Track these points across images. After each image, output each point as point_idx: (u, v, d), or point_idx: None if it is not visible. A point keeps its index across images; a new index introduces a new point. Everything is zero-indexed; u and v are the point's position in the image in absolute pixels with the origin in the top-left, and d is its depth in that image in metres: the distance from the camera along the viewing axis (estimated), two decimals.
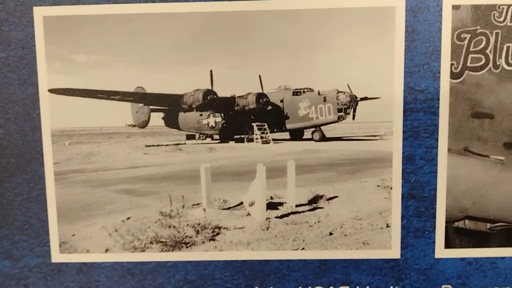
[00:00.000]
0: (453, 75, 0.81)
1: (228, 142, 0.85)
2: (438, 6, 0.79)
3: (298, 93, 0.84)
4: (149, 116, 0.85)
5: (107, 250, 0.86)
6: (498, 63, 0.82)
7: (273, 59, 0.82)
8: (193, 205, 0.85)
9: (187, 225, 0.84)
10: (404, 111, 0.81)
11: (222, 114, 0.84)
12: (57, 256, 0.87)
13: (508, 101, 0.82)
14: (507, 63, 0.81)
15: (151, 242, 0.85)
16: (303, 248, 0.85)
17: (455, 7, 0.81)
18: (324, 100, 0.84)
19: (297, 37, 0.81)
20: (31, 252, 0.87)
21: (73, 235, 0.86)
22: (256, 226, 0.85)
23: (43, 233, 0.86)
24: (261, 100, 0.83)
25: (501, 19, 0.84)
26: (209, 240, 0.85)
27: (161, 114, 0.85)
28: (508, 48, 0.86)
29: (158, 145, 0.84)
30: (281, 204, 0.85)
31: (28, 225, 0.86)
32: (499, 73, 0.81)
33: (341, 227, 0.84)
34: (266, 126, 0.84)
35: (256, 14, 0.83)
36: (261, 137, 0.84)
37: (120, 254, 0.86)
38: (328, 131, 0.85)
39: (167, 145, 0.85)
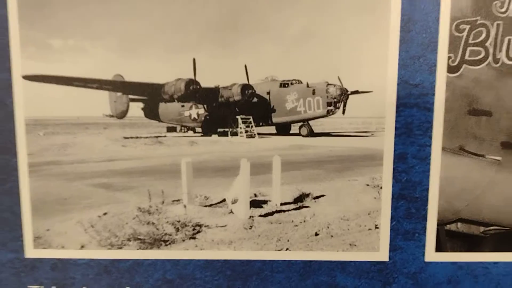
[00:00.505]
0: (450, 69, 0.64)
1: (211, 136, 0.69)
2: None
3: (286, 85, 0.67)
4: (128, 106, 0.68)
5: (82, 247, 0.70)
6: (498, 57, 0.64)
7: (260, 48, 0.64)
8: (173, 201, 0.69)
9: (167, 222, 0.69)
10: (397, 106, 0.66)
11: (205, 106, 0.67)
12: (31, 252, 0.71)
13: (507, 98, 0.64)
14: (508, 57, 0.63)
15: (129, 239, 0.69)
16: (287, 249, 0.70)
17: None
18: (313, 93, 0.67)
19: (286, 25, 0.63)
20: (4, 247, 0.71)
21: (48, 230, 0.70)
22: (239, 225, 0.69)
23: (17, 227, 0.70)
24: (246, 92, 0.66)
25: (503, 10, 0.65)
26: (189, 238, 0.69)
27: (141, 104, 0.68)
28: (509, 41, 0.69)
29: (137, 137, 0.68)
30: (265, 202, 0.69)
31: (1, 219, 0.70)
32: (499, 68, 0.64)
33: (328, 227, 0.69)
34: (251, 119, 0.68)
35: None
36: (246, 131, 0.68)
37: (96, 251, 0.70)
38: (317, 126, 0.69)
39: (147, 137, 0.68)
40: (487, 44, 0.68)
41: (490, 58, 0.68)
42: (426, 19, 0.67)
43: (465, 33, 0.68)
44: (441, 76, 0.68)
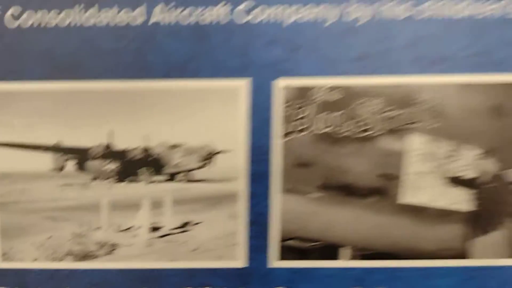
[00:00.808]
0: (283, 136, 0.83)
1: (123, 182, 0.88)
2: (273, 86, 0.82)
3: (174, 147, 0.85)
4: (66, 162, 0.87)
5: (35, 260, 0.89)
6: (314, 128, 0.83)
7: (158, 122, 0.84)
8: (96, 228, 0.88)
9: (92, 243, 0.88)
10: (249, 161, 0.85)
11: (119, 162, 0.86)
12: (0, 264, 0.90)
13: (320, 155, 0.83)
14: (320, 128, 0.83)
15: (67, 255, 0.88)
16: (176, 260, 0.88)
17: (285, 87, 0.82)
18: (192, 153, 0.85)
19: (175, 108, 0.83)
20: None
21: (11, 248, 0.88)
22: (143, 244, 0.88)
23: None
24: (147, 152, 0.85)
25: (317, 96, 0.82)
26: (108, 253, 0.88)
27: (74, 161, 0.87)
28: (321, 117, 0.83)
29: (72, 184, 0.87)
30: (160, 227, 0.88)
31: None
32: (314, 135, 0.84)
33: (204, 244, 0.87)
34: (150, 171, 0.86)
35: (148, 90, 0.82)
36: (147, 179, 0.87)
37: (44, 263, 0.89)
38: (195, 175, 0.88)
39: (78, 184, 0.88)
40: (307, 118, 0.90)
41: (309, 128, 0.91)
42: (267, 103, 0.89)
43: (293, 111, 0.90)
44: (277, 140, 0.84)
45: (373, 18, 0.80)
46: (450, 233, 0.86)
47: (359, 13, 0.80)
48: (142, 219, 0.87)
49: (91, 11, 0.82)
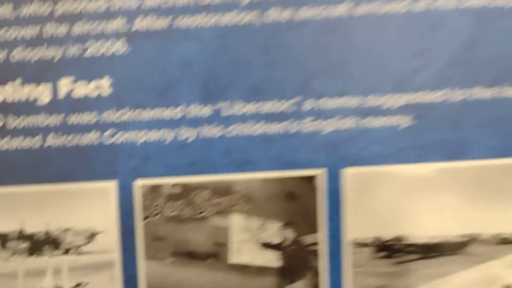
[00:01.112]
0: (144, 219, 1.31)
1: (32, 256, 1.16)
2: (133, 185, 1.14)
3: (67, 230, 1.15)
4: None
5: None
6: (164, 212, 1.30)
7: (55, 214, 1.15)
8: None
9: None
10: (120, 238, 1.15)
11: (29, 242, 1.15)
12: None
13: (171, 231, 1.23)
14: (169, 212, 1.31)
15: None
16: None
17: (142, 186, 1.30)
18: (80, 234, 1.16)
19: (66, 202, 1.19)
20: None
21: None
22: None
23: None
24: (48, 235, 1.16)
25: (164, 190, 1.30)
26: None
27: None
28: (169, 205, 1.30)
29: None
30: (61, 287, 1.19)
31: None
32: (165, 217, 1.31)
33: None
34: (51, 248, 1.18)
35: (46, 192, 1.24)
36: (49, 254, 1.15)
37: None
38: (83, 249, 1.16)
39: (1, 258, 1.18)
40: (159, 206, 1.25)
41: (161, 213, 1.26)
42: (130, 196, 1.24)
43: (149, 201, 1.25)
44: (140, 222, 1.25)
45: (198, 137, 1.15)
46: (267, 283, 1.19)
47: (188, 134, 1.15)
48: (48, 282, 1.21)
49: (6, 139, 1.17)
